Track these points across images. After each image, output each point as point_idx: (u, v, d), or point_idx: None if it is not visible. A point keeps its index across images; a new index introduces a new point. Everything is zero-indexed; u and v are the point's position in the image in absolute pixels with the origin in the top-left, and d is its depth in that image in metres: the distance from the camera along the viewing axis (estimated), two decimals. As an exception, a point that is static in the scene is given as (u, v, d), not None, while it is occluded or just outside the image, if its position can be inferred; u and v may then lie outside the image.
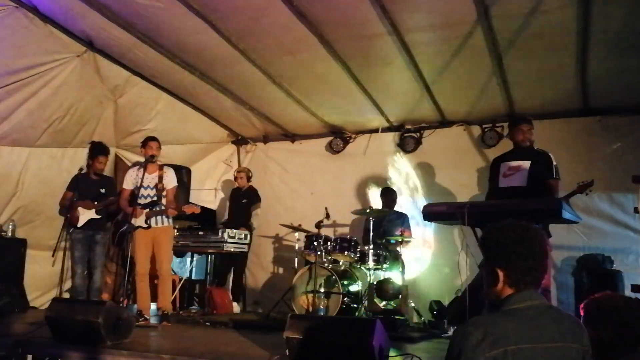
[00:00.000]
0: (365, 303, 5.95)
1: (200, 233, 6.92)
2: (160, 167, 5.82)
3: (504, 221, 1.90)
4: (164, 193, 5.72)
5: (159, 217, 5.68)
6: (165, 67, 6.34)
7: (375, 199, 7.13)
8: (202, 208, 6.15)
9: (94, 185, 6.25)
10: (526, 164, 4.83)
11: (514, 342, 1.65)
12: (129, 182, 5.79)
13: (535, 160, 4.84)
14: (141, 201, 5.65)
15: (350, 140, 7.87)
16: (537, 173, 4.77)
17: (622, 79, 5.73)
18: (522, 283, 1.80)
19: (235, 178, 7.75)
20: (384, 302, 5.89)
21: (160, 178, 5.73)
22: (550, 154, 4.87)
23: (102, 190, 6.25)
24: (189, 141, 7.96)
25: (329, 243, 6.23)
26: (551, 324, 1.75)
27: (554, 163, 4.79)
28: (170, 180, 5.79)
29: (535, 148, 5.00)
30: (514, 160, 5.00)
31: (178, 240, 6.77)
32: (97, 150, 6.26)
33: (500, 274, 1.83)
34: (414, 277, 6.90)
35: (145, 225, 5.61)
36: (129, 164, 7.35)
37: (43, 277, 6.63)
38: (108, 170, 7.05)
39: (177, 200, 5.96)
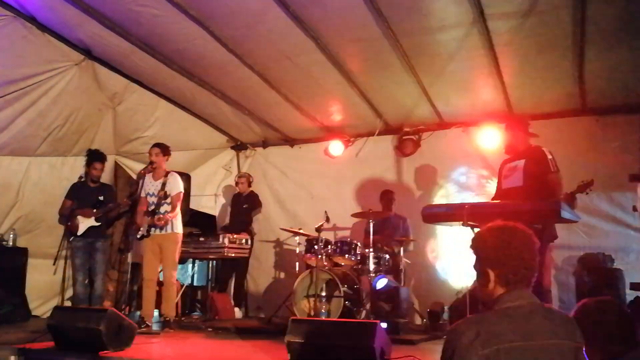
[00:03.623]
0: (367, 306, 5.95)
1: (201, 239, 6.92)
2: (166, 174, 5.84)
3: (493, 223, 1.92)
4: (168, 200, 5.72)
5: (158, 224, 5.68)
6: (164, 74, 6.36)
7: (374, 202, 7.15)
8: (202, 214, 6.16)
9: (92, 193, 6.27)
10: (521, 163, 4.84)
11: (506, 341, 1.67)
12: (140, 189, 5.84)
13: (529, 157, 4.84)
14: (149, 208, 5.68)
15: (349, 144, 7.88)
16: (532, 170, 4.76)
17: (619, 78, 5.74)
18: (512, 283, 1.83)
19: (237, 183, 7.77)
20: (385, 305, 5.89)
21: (163, 185, 5.74)
22: (543, 149, 4.84)
23: (101, 198, 6.26)
24: (188, 147, 7.97)
25: (329, 246, 6.23)
26: (543, 321, 1.76)
27: (549, 157, 4.75)
28: (173, 186, 5.79)
29: (532, 146, 5.01)
30: (512, 162, 5.02)
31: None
32: (93, 157, 6.29)
33: (491, 274, 1.85)
34: (415, 279, 6.90)
35: (146, 234, 5.62)
36: (129, 171, 7.38)
37: (44, 286, 6.64)
38: (108, 178, 7.07)
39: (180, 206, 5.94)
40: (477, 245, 1.94)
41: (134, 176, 7.10)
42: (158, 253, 5.69)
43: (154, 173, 5.79)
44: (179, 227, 5.81)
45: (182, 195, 5.89)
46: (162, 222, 5.58)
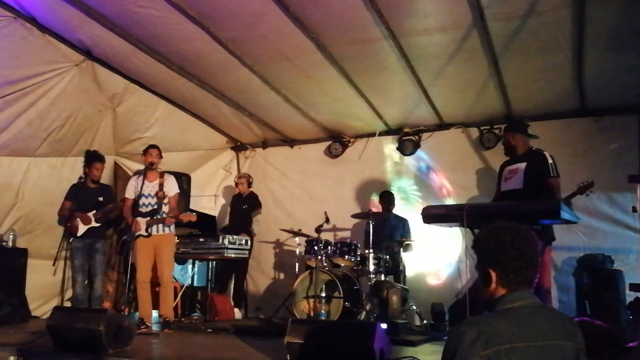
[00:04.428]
0: (367, 307, 5.95)
1: (201, 240, 6.92)
2: (161, 175, 5.85)
3: (495, 223, 1.92)
4: (166, 200, 5.74)
5: (159, 225, 5.69)
6: (163, 75, 6.36)
7: (374, 203, 7.15)
8: (201, 215, 6.19)
9: (92, 194, 6.27)
10: (522, 165, 4.87)
11: (508, 341, 1.66)
12: (130, 191, 5.82)
13: (530, 160, 4.86)
14: (142, 209, 5.67)
15: (349, 145, 7.88)
16: (533, 173, 4.79)
17: (618, 79, 5.73)
18: (514, 283, 1.82)
19: (236, 184, 7.76)
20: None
21: (161, 186, 5.75)
22: (545, 152, 4.88)
23: (101, 199, 6.27)
24: (188, 148, 7.98)
25: (329, 247, 6.24)
26: (544, 322, 1.76)
27: (550, 161, 4.79)
28: (171, 187, 5.82)
29: (533, 148, 5.03)
30: (513, 164, 5.04)
31: (179, 248, 6.77)
32: (92, 157, 6.30)
33: (493, 274, 1.85)
34: (415, 280, 6.90)
35: (146, 234, 5.62)
36: (128, 172, 7.38)
37: (44, 287, 6.63)
38: (107, 179, 7.07)
39: (179, 207, 5.97)
40: (479, 245, 1.94)
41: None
42: (152, 254, 5.68)
43: (149, 174, 5.77)
44: (174, 227, 5.83)
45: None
46: (189, 218, 5.69)
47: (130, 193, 5.82)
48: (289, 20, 5.08)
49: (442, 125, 7.26)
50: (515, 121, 6.07)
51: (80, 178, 6.32)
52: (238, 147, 8.68)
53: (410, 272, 6.79)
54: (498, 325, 1.72)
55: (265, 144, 8.49)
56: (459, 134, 7.17)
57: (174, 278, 6.50)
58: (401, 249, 6.52)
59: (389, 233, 6.70)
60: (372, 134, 7.60)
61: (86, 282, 6.23)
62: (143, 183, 5.69)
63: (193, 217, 5.80)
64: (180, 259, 7.14)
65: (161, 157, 5.88)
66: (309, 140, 8.13)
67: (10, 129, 6.09)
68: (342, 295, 5.86)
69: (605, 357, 2.30)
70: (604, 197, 6.14)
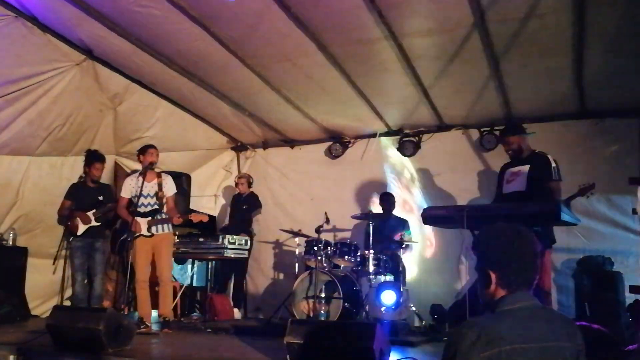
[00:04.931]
0: (367, 307, 5.95)
1: (201, 239, 6.92)
2: (159, 175, 5.84)
3: (495, 224, 1.92)
4: (165, 200, 5.74)
5: (159, 225, 5.69)
6: (164, 75, 6.37)
7: (374, 204, 7.15)
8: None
9: (92, 193, 6.27)
10: (525, 168, 4.88)
11: (508, 343, 1.66)
12: (127, 190, 5.79)
13: (534, 163, 4.87)
14: (141, 209, 5.66)
15: (350, 146, 7.88)
16: (536, 176, 4.80)
17: (618, 82, 5.74)
18: (514, 284, 1.82)
19: (237, 184, 7.77)
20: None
21: (160, 186, 5.75)
22: (548, 156, 4.89)
23: (100, 198, 6.27)
24: (189, 148, 7.98)
25: (329, 248, 6.24)
26: (544, 324, 1.76)
27: (553, 165, 4.81)
28: (170, 187, 5.82)
29: (536, 151, 5.04)
30: (515, 166, 5.04)
31: (178, 247, 6.78)
32: (93, 157, 6.30)
33: (493, 276, 1.85)
34: (414, 281, 6.90)
35: (148, 234, 5.62)
36: (129, 172, 7.38)
37: (44, 285, 6.64)
38: (108, 178, 7.08)
39: (177, 207, 5.98)
40: (479, 246, 1.94)
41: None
42: (151, 253, 5.68)
43: (147, 174, 5.75)
44: (172, 227, 5.84)
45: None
46: (200, 218, 5.75)
47: (127, 192, 5.78)
48: (290, 20, 5.08)
49: (443, 127, 7.26)
50: (515, 123, 6.06)
51: (80, 177, 6.33)
52: (238, 147, 8.68)
53: (410, 273, 6.79)
54: (498, 326, 1.72)
55: (265, 145, 8.49)
56: (459, 135, 7.17)
57: (174, 278, 6.50)
58: (401, 250, 6.51)
59: (389, 234, 6.70)
60: (373, 135, 7.61)
61: (86, 281, 6.23)
62: (143, 183, 5.68)
63: (205, 217, 5.83)
64: (180, 259, 7.14)
65: (158, 156, 5.88)
66: (309, 140, 8.13)
67: (10, 128, 6.09)
68: (341, 296, 5.86)
69: None
70: (603, 199, 6.14)
